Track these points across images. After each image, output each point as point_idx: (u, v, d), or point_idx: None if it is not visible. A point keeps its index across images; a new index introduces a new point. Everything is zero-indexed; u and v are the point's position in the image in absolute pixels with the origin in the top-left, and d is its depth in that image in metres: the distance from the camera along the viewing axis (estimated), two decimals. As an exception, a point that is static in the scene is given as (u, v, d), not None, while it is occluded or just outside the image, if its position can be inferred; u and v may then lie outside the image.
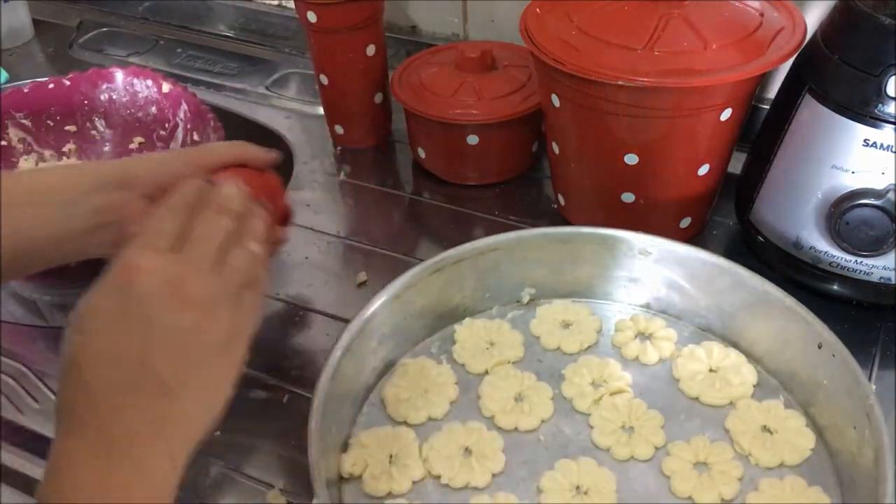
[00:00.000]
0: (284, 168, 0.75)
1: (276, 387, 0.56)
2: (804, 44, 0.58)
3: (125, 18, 1.04)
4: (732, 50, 0.58)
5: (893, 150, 0.53)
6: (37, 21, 1.04)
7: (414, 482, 0.51)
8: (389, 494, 0.51)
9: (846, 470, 0.49)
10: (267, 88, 0.90)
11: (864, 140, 0.54)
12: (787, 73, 0.61)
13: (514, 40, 0.69)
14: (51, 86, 0.73)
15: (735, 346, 0.58)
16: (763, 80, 0.61)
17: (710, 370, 0.57)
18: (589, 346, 0.60)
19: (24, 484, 0.55)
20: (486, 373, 0.58)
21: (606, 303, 0.63)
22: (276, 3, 0.96)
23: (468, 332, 0.60)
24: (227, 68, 0.92)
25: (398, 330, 0.58)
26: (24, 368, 0.59)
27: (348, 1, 0.71)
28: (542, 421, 0.55)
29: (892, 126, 0.53)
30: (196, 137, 0.69)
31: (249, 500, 0.50)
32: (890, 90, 0.52)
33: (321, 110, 0.84)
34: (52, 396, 0.55)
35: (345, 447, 0.54)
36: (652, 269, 0.60)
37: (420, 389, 0.57)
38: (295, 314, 0.64)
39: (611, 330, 0.61)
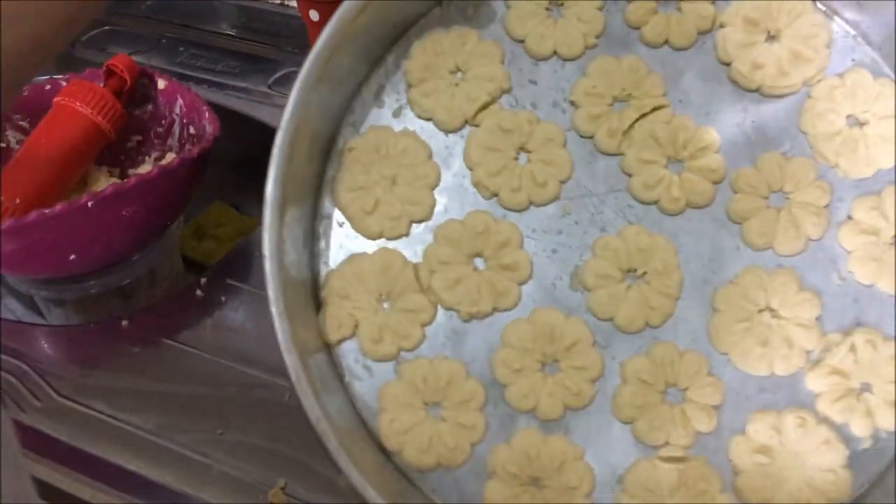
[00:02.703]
0: None
1: (277, 386, 0.57)
2: None
3: (127, 17, 1.07)
4: None
5: None
6: (38, 20, 0.97)
7: (424, 325, 0.44)
8: (399, 352, 0.44)
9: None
10: (269, 87, 0.93)
11: None
12: None
13: None
14: (48, 87, 0.73)
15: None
16: None
17: (770, 35, 0.46)
18: (597, 36, 0.47)
19: None
20: (466, 125, 0.46)
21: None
22: (278, 1, 1.01)
23: (421, 62, 0.46)
24: (229, 67, 0.97)
25: (330, 99, 0.44)
26: (25, 367, 0.60)
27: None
28: (561, 183, 0.45)
29: None
30: (192, 131, 0.73)
31: (249, 500, 0.50)
32: None
33: None
34: (54, 395, 0.57)
35: (315, 302, 0.45)
36: None
37: (385, 181, 0.45)
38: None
39: (620, 3, 0.47)
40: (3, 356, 0.60)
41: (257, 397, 0.55)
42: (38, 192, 0.62)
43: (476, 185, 0.45)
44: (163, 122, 0.74)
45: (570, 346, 0.43)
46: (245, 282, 0.64)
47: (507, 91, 0.46)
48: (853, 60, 0.45)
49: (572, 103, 0.46)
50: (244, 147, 0.81)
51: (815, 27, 0.45)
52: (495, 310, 0.44)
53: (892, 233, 0.44)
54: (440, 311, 0.44)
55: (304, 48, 0.95)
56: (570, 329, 0.44)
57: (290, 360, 0.40)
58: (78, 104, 0.65)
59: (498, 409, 0.44)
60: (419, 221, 0.45)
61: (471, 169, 0.45)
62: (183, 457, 0.52)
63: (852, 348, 0.43)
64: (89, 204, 0.56)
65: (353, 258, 0.45)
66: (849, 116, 0.45)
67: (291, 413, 0.52)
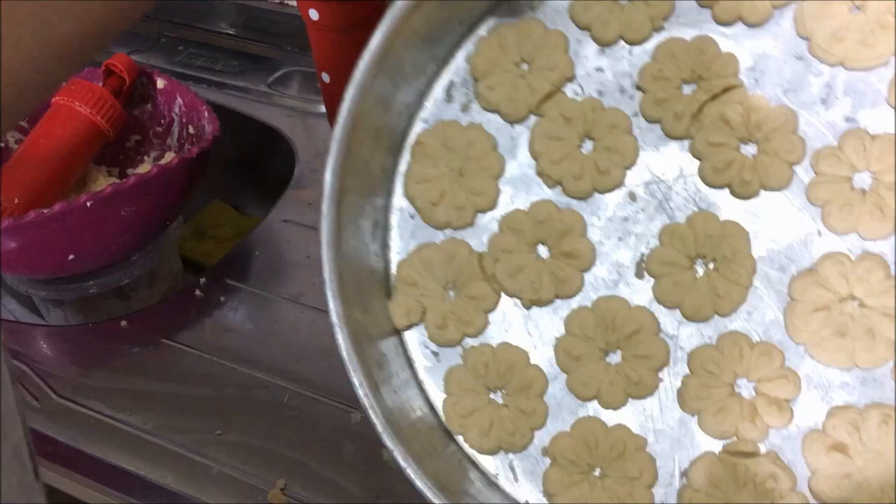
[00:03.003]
0: (286, 166, 0.84)
1: (277, 386, 0.58)
2: None
3: None
4: None
5: None
6: (40, 20, 1.10)
7: (487, 312, 0.46)
8: (463, 338, 0.46)
9: None
10: (268, 86, 0.96)
11: None
12: None
13: None
14: None
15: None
16: None
17: (855, 6, 0.43)
18: (664, 18, 0.46)
19: None
20: (531, 114, 0.47)
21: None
22: (278, 0, 1.02)
23: (487, 56, 0.47)
24: (228, 66, 0.98)
25: (394, 94, 0.46)
26: (24, 367, 0.61)
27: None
28: (627, 169, 0.45)
29: None
30: (192, 131, 0.73)
31: (249, 500, 0.51)
32: None
33: (323, 108, 0.86)
34: (53, 395, 0.58)
35: (385, 287, 0.47)
36: None
37: (452, 173, 0.47)
38: (297, 313, 0.67)
39: (691, -19, 0.46)
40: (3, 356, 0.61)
41: (257, 397, 0.57)
42: (37, 192, 0.65)
43: (540, 174, 0.46)
44: (162, 121, 0.75)
45: (632, 335, 0.43)
46: (244, 282, 0.65)
47: (572, 79, 0.46)
48: (951, 27, 0.42)
49: (639, 88, 0.45)
50: (244, 147, 0.84)
51: (906, -7, 0.42)
52: (557, 297, 0.45)
53: None
54: (504, 298, 0.46)
55: (304, 48, 0.94)
56: (633, 317, 0.44)
57: (342, 338, 0.42)
58: (77, 104, 0.67)
59: (559, 395, 0.44)
60: (484, 211, 0.47)
61: (535, 159, 0.46)
62: (182, 457, 0.53)
63: (947, 340, 0.40)
64: (88, 204, 0.57)
65: (421, 247, 0.47)
66: (946, 87, 0.41)
67: (291, 413, 0.56)
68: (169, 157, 0.76)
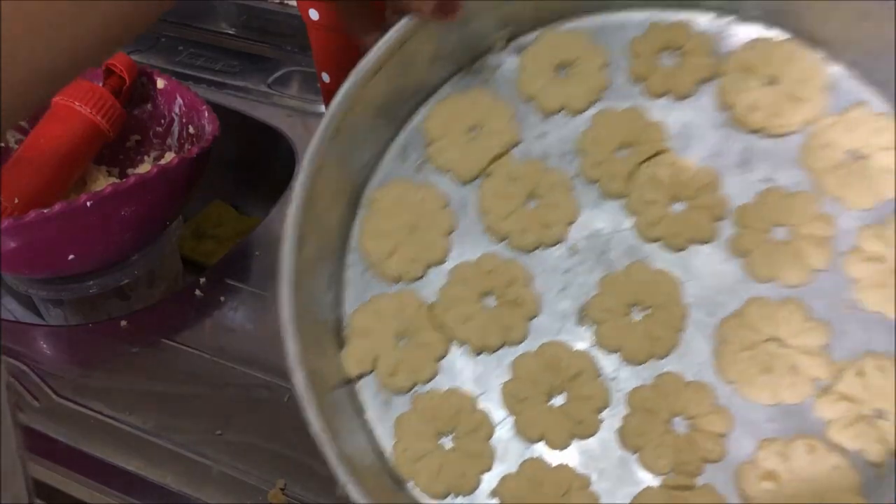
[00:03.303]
0: (286, 166, 0.86)
1: (277, 386, 0.59)
2: None
3: None
4: None
5: None
6: (40, 20, 1.17)
7: (437, 360, 0.49)
8: (414, 385, 0.49)
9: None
10: (268, 86, 0.97)
11: None
12: None
13: None
14: None
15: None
16: None
17: (770, 82, 0.49)
18: (602, 91, 0.52)
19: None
20: (481, 175, 0.51)
21: (614, 15, 0.53)
22: (278, 0, 1.04)
23: (440, 121, 0.52)
24: (228, 66, 0.99)
25: (351, 153, 0.50)
26: (24, 367, 0.62)
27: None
28: (568, 225, 0.50)
29: None
30: (191, 131, 0.75)
31: (249, 501, 0.53)
32: None
33: (323, 108, 0.88)
34: (53, 395, 0.59)
35: (338, 337, 0.50)
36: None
37: (405, 228, 0.51)
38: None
39: (622, 60, 0.52)
40: (3, 356, 0.61)
41: (257, 397, 0.58)
42: (37, 192, 0.66)
43: (487, 229, 0.51)
44: (162, 121, 0.77)
45: (574, 377, 0.47)
46: (244, 282, 0.68)
47: (518, 144, 0.51)
48: (851, 99, 0.48)
49: (579, 152, 0.50)
50: (244, 146, 0.86)
51: (811, 70, 0.49)
52: (504, 343, 0.49)
53: (900, 260, 0.45)
54: (453, 346, 0.49)
55: (304, 48, 0.97)
56: (576, 361, 0.48)
57: (299, 378, 0.45)
58: (77, 104, 0.69)
59: (506, 438, 0.47)
60: (435, 264, 0.50)
61: (483, 215, 0.51)
62: (182, 457, 0.55)
63: (861, 374, 0.45)
64: (88, 203, 0.59)
65: (373, 299, 0.51)
66: (848, 151, 0.48)
67: (291, 413, 0.55)
68: (169, 157, 0.77)
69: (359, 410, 0.50)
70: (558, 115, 0.53)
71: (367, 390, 0.50)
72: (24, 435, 0.56)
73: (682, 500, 0.45)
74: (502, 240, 0.51)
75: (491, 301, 0.50)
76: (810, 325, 0.46)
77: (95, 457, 0.56)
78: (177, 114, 0.76)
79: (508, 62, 0.54)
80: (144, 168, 0.78)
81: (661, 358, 0.48)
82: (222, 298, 0.66)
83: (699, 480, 0.46)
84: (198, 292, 0.67)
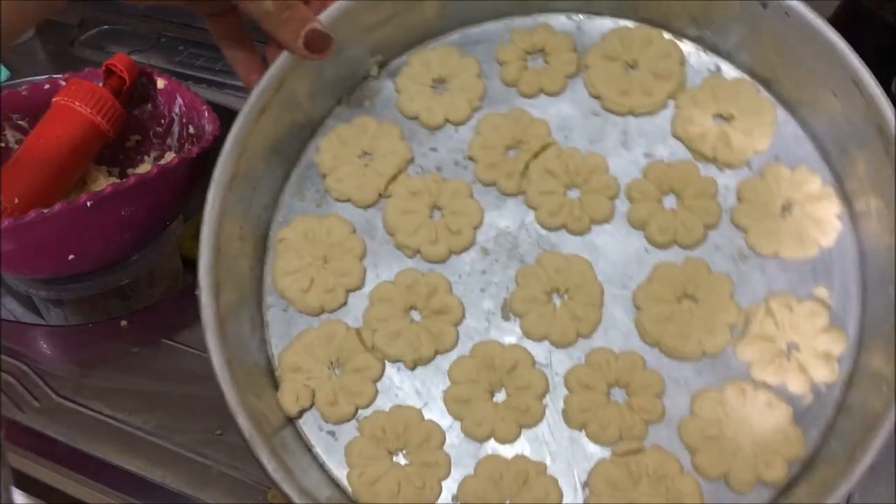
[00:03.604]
0: None
1: None
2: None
3: (126, 16, 1.11)
4: None
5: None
6: (40, 19, 1.14)
7: (374, 381, 0.49)
8: (356, 410, 0.49)
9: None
10: None
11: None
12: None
13: None
14: (47, 86, 0.76)
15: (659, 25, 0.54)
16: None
17: (631, 66, 0.53)
18: (480, 99, 0.54)
19: (25, 483, 0.59)
20: (381, 197, 0.52)
21: (476, 28, 0.56)
22: None
23: (330, 154, 0.53)
24: (228, 66, 0.95)
25: (251, 196, 0.51)
26: (24, 367, 0.63)
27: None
28: (475, 229, 0.52)
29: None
30: (192, 131, 0.75)
31: (248, 501, 0.53)
32: None
33: None
34: (53, 395, 0.60)
35: (272, 378, 0.50)
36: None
37: (317, 262, 0.51)
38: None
39: (493, 67, 0.55)
40: (3, 356, 0.62)
41: None
42: (37, 192, 0.66)
43: (399, 247, 0.52)
44: (162, 121, 0.77)
45: (511, 370, 0.49)
46: None
47: (411, 161, 0.53)
48: (708, 70, 0.52)
49: (471, 159, 0.53)
50: None
51: (666, 49, 0.53)
52: (437, 352, 0.50)
53: (779, 204, 0.49)
54: (387, 364, 0.49)
55: None
56: (509, 354, 0.49)
57: (242, 420, 0.44)
58: (77, 104, 0.69)
59: (458, 442, 0.48)
60: (353, 290, 0.51)
61: (391, 234, 0.52)
62: (182, 457, 0.55)
63: (769, 313, 0.48)
64: (88, 203, 0.59)
65: (300, 335, 0.51)
66: (715, 115, 0.51)
67: None
68: (169, 157, 0.76)
69: (307, 447, 0.50)
70: (444, 128, 0.55)
71: (310, 425, 0.50)
72: (24, 435, 0.57)
73: (635, 463, 0.47)
74: (415, 254, 0.52)
75: (416, 315, 0.51)
76: (715, 278, 0.50)
77: (95, 457, 0.56)
78: (177, 114, 0.76)
79: (386, 86, 0.56)
80: (144, 168, 0.77)
81: (588, 336, 0.50)
82: (222, 299, 0.67)
83: (646, 443, 0.48)
84: (198, 292, 0.66)
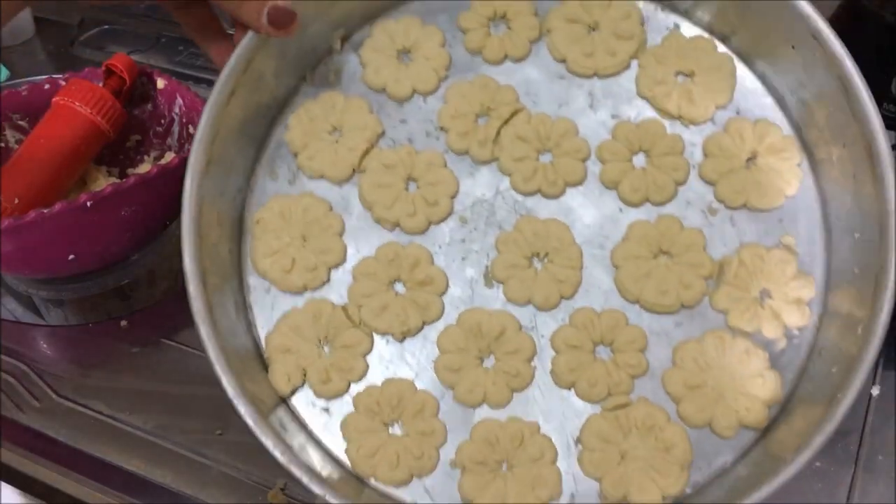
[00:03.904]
0: None
1: None
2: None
3: (126, 16, 1.11)
4: None
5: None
6: (38, 18, 1.13)
7: (364, 355, 0.50)
8: (349, 385, 0.49)
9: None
10: None
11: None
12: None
13: None
14: (47, 86, 0.76)
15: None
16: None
17: (593, 28, 0.54)
18: (447, 68, 0.54)
19: (25, 483, 0.59)
20: (355, 172, 0.53)
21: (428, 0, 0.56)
22: None
23: (299, 131, 0.53)
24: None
25: (225, 180, 0.50)
26: (24, 367, 0.63)
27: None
28: (452, 198, 0.52)
29: None
30: (192, 131, 0.75)
31: (249, 501, 0.53)
32: None
33: None
34: (53, 395, 0.61)
35: (261, 361, 0.50)
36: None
37: (296, 241, 0.51)
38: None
39: (457, 35, 0.55)
40: (3, 356, 0.62)
41: None
42: (37, 192, 0.66)
43: (377, 220, 0.52)
44: (162, 121, 0.77)
45: (498, 335, 0.50)
46: None
47: (382, 134, 0.53)
48: (667, 28, 0.53)
49: (442, 129, 0.53)
50: None
51: (626, 10, 0.54)
52: (424, 323, 0.50)
53: (744, 158, 0.51)
54: (376, 338, 0.50)
55: None
56: (496, 320, 0.50)
57: (243, 407, 0.45)
58: (77, 104, 0.69)
59: (451, 410, 0.49)
60: (336, 266, 0.51)
61: (369, 209, 0.52)
62: (182, 457, 0.56)
63: (741, 263, 0.49)
64: (88, 203, 0.59)
65: (286, 315, 0.51)
66: (677, 74, 0.53)
67: None
68: (169, 157, 0.75)
69: (301, 425, 0.51)
70: (413, 99, 0.55)
71: (303, 404, 0.50)
72: (24, 435, 0.58)
73: (624, 416, 0.49)
74: (394, 227, 0.53)
75: (400, 287, 0.52)
76: (687, 233, 0.51)
77: (95, 457, 0.56)
78: (177, 114, 0.75)
79: (350, 60, 0.56)
80: (144, 168, 0.76)
81: (570, 297, 0.51)
82: (221, 299, 0.67)
83: (633, 397, 0.50)
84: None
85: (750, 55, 0.54)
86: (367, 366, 0.51)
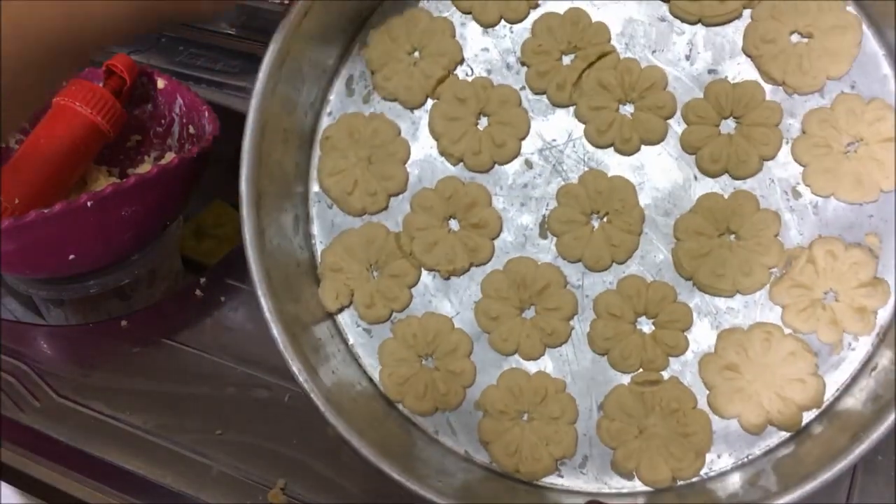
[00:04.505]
0: None
1: (277, 386, 0.60)
2: None
3: None
4: None
5: None
6: (42, 17, 1.17)
7: (410, 287, 0.51)
8: (391, 313, 0.51)
9: None
10: None
11: None
12: None
13: None
14: None
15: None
16: None
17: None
18: (540, -5, 0.51)
19: (25, 483, 0.59)
20: (428, 99, 0.52)
21: None
22: (278, 0, 1.03)
23: (380, 49, 0.52)
24: (228, 66, 0.99)
25: (297, 95, 0.51)
26: (25, 367, 0.63)
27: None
28: (521, 140, 0.51)
29: None
30: (192, 131, 0.76)
31: (249, 501, 0.54)
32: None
33: None
34: (53, 395, 0.61)
35: (313, 276, 0.52)
36: None
37: (361, 162, 0.52)
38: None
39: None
40: (3, 356, 0.63)
41: (257, 397, 0.60)
42: (38, 192, 0.67)
43: (442, 153, 0.52)
44: (162, 121, 0.78)
45: (542, 290, 0.50)
46: (244, 281, 0.67)
47: (461, 62, 0.51)
48: (791, -23, 0.47)
49: (523, 63, 0.51)
50: None
51: (749, -51, 0.48)
52: (472, 265, 0.51)
53: (845, 142, 0.46)
54: (423, 272, 0.51)
55: None
56: (542, 274, 0.50)
57: (277, 331, 0.47)
58: (77, 104, 0.70)
59: (483, 353, 0.50)
60: (396, 194, 0.52)
61: (436, 140, 0.51)
62: (182, 457, 0.57)
63: (811, 259, 0.46)
64: (88, 203, 0.60)
65: (342, 235, 0.52)
66: (792, 33, 0.47)
67: (291, 413, 0.58)
68: (169, 157, 0.78)
69: (345, 341, 0.53)
70: (498, 27, 0.52)
71: (347, 322, 0.53)
72: (24, 435, 0.58)
73: (651, 394, 0.49)
74: (458, 162, 0.52)
75: (454, 225, 0.52)
76: (762, 215, 0.48)
77: (95, 457, 0.57)
78: (177, 114, 0.77)
79: (441, -28, 0.53)
80: (144, 168, 0.79)
81: (622, 262, 0.50)
82: (222, 298, 0.67)
83: (665, 374, 0.49)
84: (198, 292, 0.68)
85: (883, 22, 0.47)
86: (412, 297, 0.52)
